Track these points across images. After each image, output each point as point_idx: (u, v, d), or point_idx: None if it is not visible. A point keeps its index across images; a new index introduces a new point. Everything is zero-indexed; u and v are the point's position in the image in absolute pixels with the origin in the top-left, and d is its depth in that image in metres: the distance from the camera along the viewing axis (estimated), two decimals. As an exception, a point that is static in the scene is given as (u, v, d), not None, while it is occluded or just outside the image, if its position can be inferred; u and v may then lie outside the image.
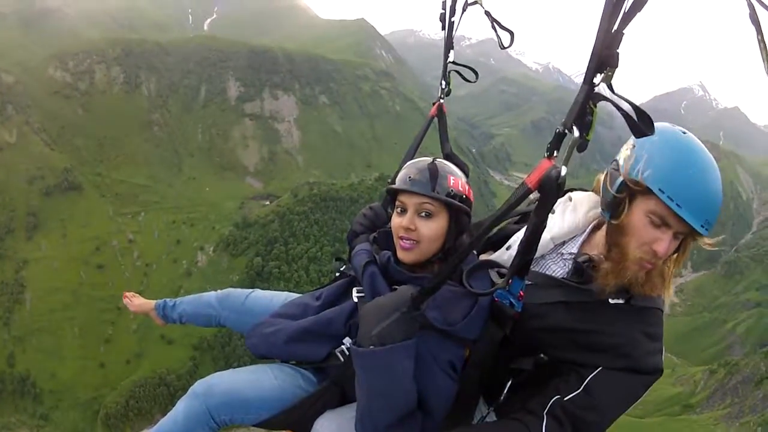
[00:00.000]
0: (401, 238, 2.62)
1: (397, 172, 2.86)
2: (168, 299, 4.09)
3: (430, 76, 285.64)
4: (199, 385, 2.77)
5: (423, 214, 2.58)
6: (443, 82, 3.75)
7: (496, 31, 3.16)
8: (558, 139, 1.71)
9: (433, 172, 2.61)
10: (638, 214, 2.27)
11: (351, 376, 2.43)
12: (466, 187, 2.68)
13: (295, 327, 2.80)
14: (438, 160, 2.72)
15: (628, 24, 1.48)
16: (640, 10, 1.43)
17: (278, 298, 3.51)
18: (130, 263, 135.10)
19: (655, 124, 1.78)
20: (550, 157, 1.77)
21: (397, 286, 2.53)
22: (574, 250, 2.61)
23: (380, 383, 2.26)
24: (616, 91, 1.58)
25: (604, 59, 1.52)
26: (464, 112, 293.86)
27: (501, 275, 2.52)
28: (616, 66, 1.53)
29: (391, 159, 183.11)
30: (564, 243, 2.69)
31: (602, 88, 1.59)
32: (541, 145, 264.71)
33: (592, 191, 2.71)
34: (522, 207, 2.74)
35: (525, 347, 2.49)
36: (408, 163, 2.78)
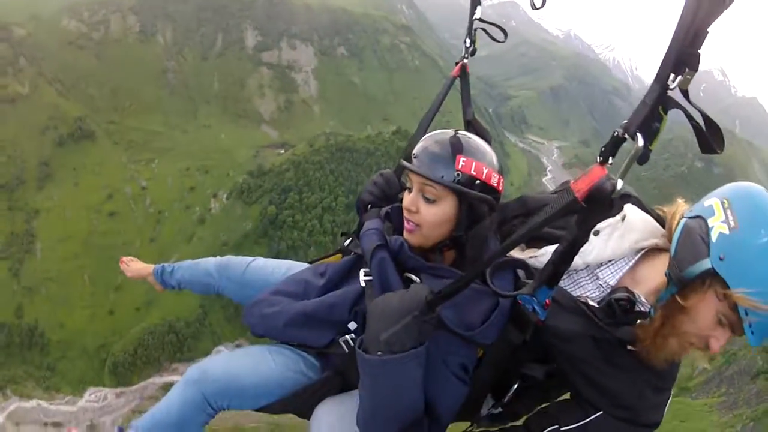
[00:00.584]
0: (405, 218, 2.51)
1: (416, 139, 2.69)
2: (166, 264, 3.92)
3: (449, 33, 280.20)
4: (194, 371, 2.67)
5: (426, 197, 2.40)
6: (468, 40, 3.39)
7: None
8: (615, 145, 1.49)
9: (445, 150, 2.38)
10: (710, 308, 1.94)
11: (355, 367, 2.24)
12: (486, 171, 2.39)
13: (295, 310, 2.65)
14: (460, 133, 2.49)
15: (717, 18, 1.30)
16: (731, 3, 1.26)
17: (279, 269, 3.28)
18: (143, 210, 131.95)
19: (756, 198, 1.77)
20: (603, 163, 1.53)
21: (408, 274, 2.44)
22: (613, 281, 2.35)
23: (386, 392, 2.10)
24: (691, 99, 1.39)
25: (684, 59, 1.33)
26: (482, 72, 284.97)
27: (528, 275, 2.30)
28: (696, 69, 1.34)
29: (408, 113, 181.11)
30: (601, 263, 2.44)
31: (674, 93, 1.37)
32: (556, 111, 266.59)
33: (650, 213, 2.43)
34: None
35: (538, 353, 2.38)
36: (429, 134, 2.55)
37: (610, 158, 1.51)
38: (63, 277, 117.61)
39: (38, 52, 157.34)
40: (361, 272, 2.59)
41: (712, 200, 1.96)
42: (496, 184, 2.43)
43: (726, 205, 1.89)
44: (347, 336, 2.54)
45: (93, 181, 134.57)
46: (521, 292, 2.01)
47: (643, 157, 1.45)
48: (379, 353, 2.03)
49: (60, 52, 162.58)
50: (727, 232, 1.84)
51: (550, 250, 2.41)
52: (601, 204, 1.55)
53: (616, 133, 1.46)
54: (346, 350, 2.53)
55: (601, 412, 2.19)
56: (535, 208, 2.65)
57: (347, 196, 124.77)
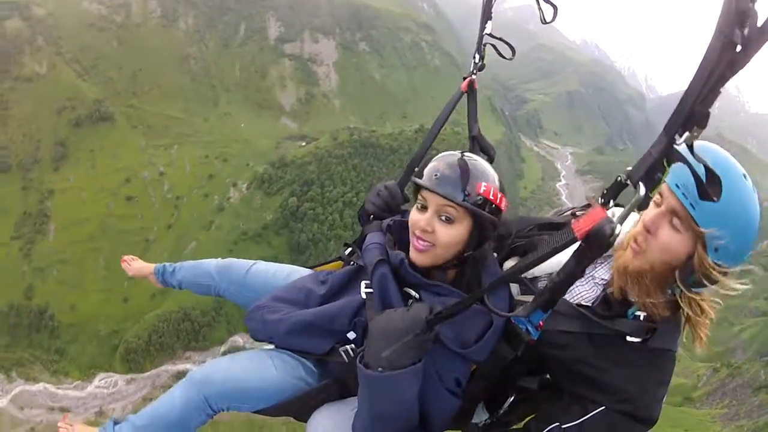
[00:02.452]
0: (417, 237, 2.51)
1: (425, 161, 2.67)
2: (168, 264, 3.95)
3: (468, 32, 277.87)
4: (197, 373, 2.76)
5: (444, 217, 2.44)
6: (477, 56, 3.40)
7: (539, 3, 3.10)
8: (617, 190, 1.53)
9: (464, 172, 2.44)
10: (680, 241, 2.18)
11: (353, 376, 2.34)
12: (498, 195, 2.48)
13: (296, 318, 2.72)
14: (467, 156, 2.54)
15: (733, 76, 1.28)
16: (748, 63, 1.26)
17: (281, 272, 3.34)
18: (161, 196, 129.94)
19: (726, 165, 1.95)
20: (604, 205, 1.57)
21: (408, 289, 2.54)
22: (608, 276, 2.49)
23: (385, 405, 2.21)
24: (695, 152, 1.41)
25: (694, 117, 1.33)
26: (499, 74, 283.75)
27: (523, 291, 2.51)
28: (704, 127, 1.35)
29: (427, 112, 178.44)
30: (595, 264, 2.57)
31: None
32: (572, 116, 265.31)
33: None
34: (553, 218, 3.02)
35: (532, 366, 2.50)
36: (438, 156, 2.60)
37: (611, 202, 1.55)
38: (77, 260, 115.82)
39: (57, 32, 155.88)
40: (362, 284, 2.65)
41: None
42: (503, 206, 2.52)
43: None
44: (347, 346, 2.62)
45: (110, 164, 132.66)
46: (516, 314, 2.06)
47: (643, 205, 1.52)
48: (380, 369, 2.11)
49: (80, 33, 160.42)
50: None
51: (544, 268, 2.50)
52: (599, 246, 1.58)
53: (620, 178, 1.50)
54: (346, 360, 2.59)
55: (600, 408, 2.25)
56: (532, 228, 2.89)
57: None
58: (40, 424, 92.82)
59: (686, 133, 1.35)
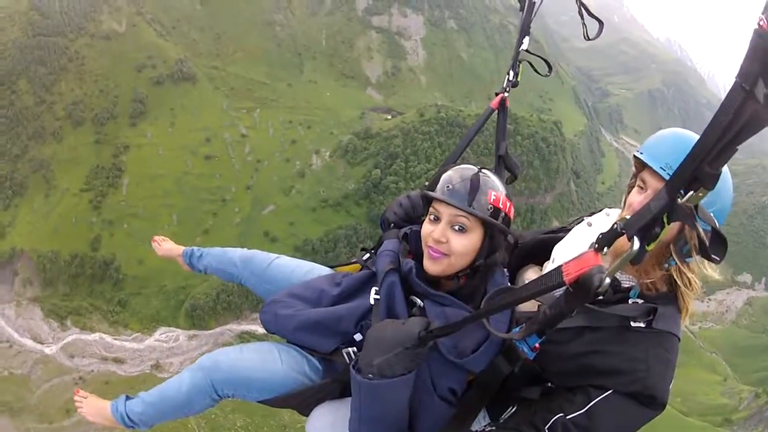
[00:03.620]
0: (430, 247, 2.60)
1: (439, 174, 2.75)
2: (196, 248, 4.00)
3: (552, 19, 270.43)
4: (206, 359, 2.92)
5: (457, 227, 2.54)
6: (511, 72, 3.52)
7: (583, 18, 3.23)
8: (612, 237, 1.49)
9: (475, 184, 2.55)
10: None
11: None
12: (507, 204, 2.60)
13: (305, 316, 2.85)
14: (483, 171, 2.64)
15: (753, 134, 1.18)
16: (760, 130, 1.16)
17: (300, 269, 3.43)
18: (241, 157, 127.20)
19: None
20: (597, 251, 1.52)
21: (414, 297, 2.64)
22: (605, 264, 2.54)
23: (374, 410, 2.32)
24: (700, 214, 1.37)
25: (700, 177, 1.26)
26: (582, 64, 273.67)
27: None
28: (711, 189, 1.28)
29: (511, 95, 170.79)
30: None
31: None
32: (652, 115, 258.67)
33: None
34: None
35: (533, 377, 2.51)
36: (451, 168, 2.69)
37: (606, 249, 1.50)
38: (148, 214, 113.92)
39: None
40: (372, 290, 2.74)
41: None
42: (511, 215, 2.62)
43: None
44: (350, 348, 2.73)
45: (190, 123, 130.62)
46: (513, 336, 2.09)
47: (637, 259, 1.43)
48: (370, 376, 2.21)
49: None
50: None
51: (559, 255, 2.74)
52: (586, 294, 1.51)
53: (616, 226, 1.47)
54: (348, 362, 2.68)
55: (605, 394, 2.25)
56: (540, 245, 3.04)
57: None
58: (90, 374, 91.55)
59: (690, 193, 1.28)
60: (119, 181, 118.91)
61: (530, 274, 2.94)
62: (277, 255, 3.55)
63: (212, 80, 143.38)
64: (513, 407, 2.53)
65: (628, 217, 1.48)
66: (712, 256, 1.50)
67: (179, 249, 4.08)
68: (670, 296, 2.32)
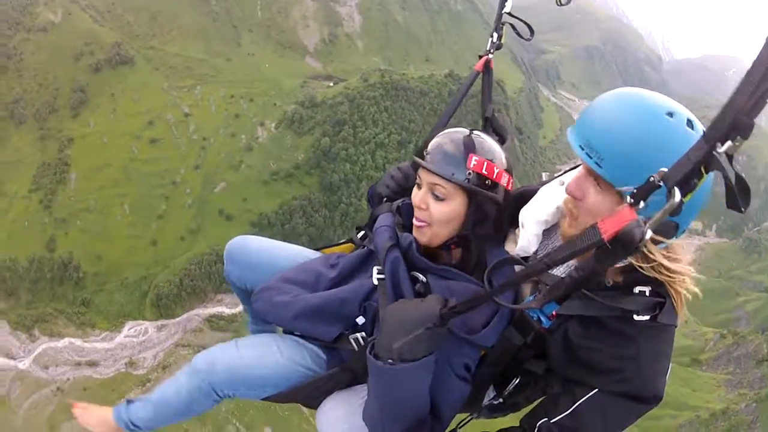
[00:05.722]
0: (415, 216, 2.55)
1: (427, 140, 2.66)
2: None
3: None
4: (201, 361, 2.71)
5: (436, 194, 2.44)
6: (495, 35, 3.38)
7: None
8: (649, 191, 1.44)
9: (458, 149, 2.42)
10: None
11: (363, 364, 2.31)
12: (495, 170, 2.42)
13: (305, 303, 2.68)
14: (474, 133, 2.51)
15: None
16: None
17: (286, 252, 3.17)
18: (186, 137, 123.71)
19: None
20: (633, 206, 1.48)
21: (415, 273, 2.51)
22: None
23: (395, 397, 2.17)
24: (734, 163, 1.34)
25: (738, 126, 1.25)
26: (517, 23, 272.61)
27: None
28: (747, 138, 1.27)
29: (449, 56, 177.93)
30: None
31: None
32: (589, 70, 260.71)
33: None
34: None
35: (539, 350, 2.41)
36: (443, 132, 2.57)
37: (642, 202, 1.46)
38: (100, 207, 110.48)
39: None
40: (374, 269, 2.61)
41: None
42: (505, 184, 2.46)
43: None
44: (358, 334, 2.59)
45: (132, 107, 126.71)
46: (530, 306, 2.06)
47: (676, 211, 1.38)
48: (390, 361, 2.07)
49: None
50: None
51: (528, 218, 2.57)
52: (626, 250, 1.46)
53: (652, 179, 1.42)
54: (356, 348, 2.57)
55: (591, 393, 2.16)
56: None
57: (400, 134, 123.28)
58: (67, 382, 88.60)
59: (728, 142, 1.26)
60: (67, 176, 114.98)
61: (508, 246, 2.67)
62: (255, 237, 3.22)
63: (150, 61, 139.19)
64: (517, 379, 2.45)
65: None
66: (738, 205, 1.42)
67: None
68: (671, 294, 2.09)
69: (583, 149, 2.00)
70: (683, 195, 1.35)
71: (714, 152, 1.29)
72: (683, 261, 2.08)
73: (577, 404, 2.16)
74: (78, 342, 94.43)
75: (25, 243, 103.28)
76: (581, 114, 2.11)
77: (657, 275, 2.03)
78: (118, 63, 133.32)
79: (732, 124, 1.23)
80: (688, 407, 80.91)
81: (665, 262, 2.01)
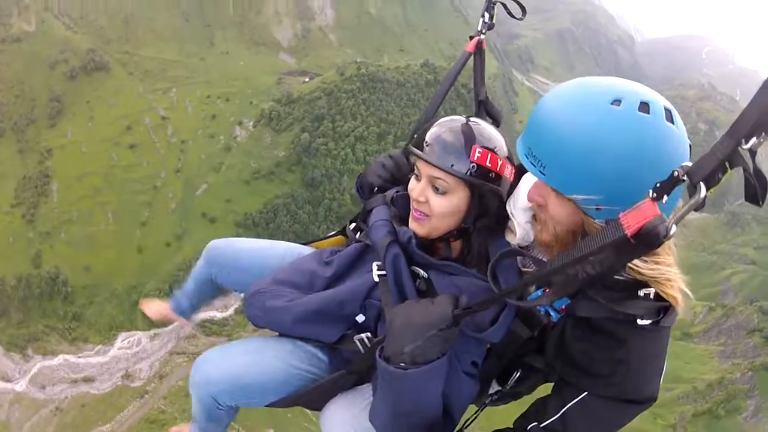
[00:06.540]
0: (413, 208, 2.46)
1: (420, 127, 2.64)
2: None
3: None
4: (196, 374, 2.66)
5: (436, 187, 2.34)
6: (486, 15, 3.23)
7: None
8: (673, 185, 1.42)
9: (459, 140, 2.31)
10: None
11: (369, 366, 2.33)
12: (498, 161, 2.33)
13: (303, 306, 2.56)
14: (472, 121, 2.42)
15: None
16: None
17: (274, 250, 3.07)
18: (165, 140, 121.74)
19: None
20: (656, 200, 1.45)
21: (416, 268, 2.42)
22: None
23: (408, 402, 2.09)
24: (756, 161, 1.32)
25: (763, 124, 1.25)
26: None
27: (535, 261, 2.30)
28: None
29: (422, 45, 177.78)
30: None
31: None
32: (563, 54, 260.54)
33: None
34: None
35: (540, 344, 2.36)
36: (440, 121, 2.46)
37: (665, 196, 1.43)
38: (84, 218, 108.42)
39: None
40: (374, 266, 2.49)
41: None
42: (508, 175, 2.37)
43: None
44: (363, 335, 2.48)
45: (109, 114, 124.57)
46: (541, 303, 1.98)
47: (700, 205, 1.36)
48: (402, 365, 2.00)
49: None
50: None
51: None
52: (649, 245, 1.44)
53: (676, 173, 1.39)
54: (362, 350, 2.46)
55: (580, 396, 2.10)
56: None
57: (379, 126, 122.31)
58: (65, 401, 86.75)
59: (753, 139, 1.26)
60: (48, 188, 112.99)
61: (508, 236, 2.58)
62: (242, 238, 3.15)
63: (125, 66, 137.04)
64: (518, 372, 2.44)
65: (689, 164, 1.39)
66: (757, 199, 1.39)
67: (165, 304, 3.50)
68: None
69: (527, 158, 1.95)
70: (707, 189, 1.33)
71: (739, 148, 1.28)
72: (671, 264, 1.99)
73: (566, 408, 2.11)
74: (72, 358, 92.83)
75: (11, 260, 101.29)
76: (528, 118, 2.04)
77: (652, 279, 1.94)
78: (93, 69, 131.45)
79: (757, 122, 1.23)
80: (683, 380, 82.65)
81: (655, 266, 1.93)
